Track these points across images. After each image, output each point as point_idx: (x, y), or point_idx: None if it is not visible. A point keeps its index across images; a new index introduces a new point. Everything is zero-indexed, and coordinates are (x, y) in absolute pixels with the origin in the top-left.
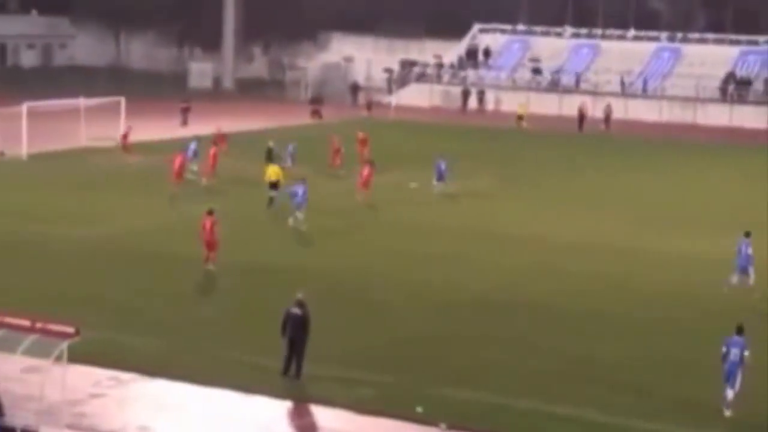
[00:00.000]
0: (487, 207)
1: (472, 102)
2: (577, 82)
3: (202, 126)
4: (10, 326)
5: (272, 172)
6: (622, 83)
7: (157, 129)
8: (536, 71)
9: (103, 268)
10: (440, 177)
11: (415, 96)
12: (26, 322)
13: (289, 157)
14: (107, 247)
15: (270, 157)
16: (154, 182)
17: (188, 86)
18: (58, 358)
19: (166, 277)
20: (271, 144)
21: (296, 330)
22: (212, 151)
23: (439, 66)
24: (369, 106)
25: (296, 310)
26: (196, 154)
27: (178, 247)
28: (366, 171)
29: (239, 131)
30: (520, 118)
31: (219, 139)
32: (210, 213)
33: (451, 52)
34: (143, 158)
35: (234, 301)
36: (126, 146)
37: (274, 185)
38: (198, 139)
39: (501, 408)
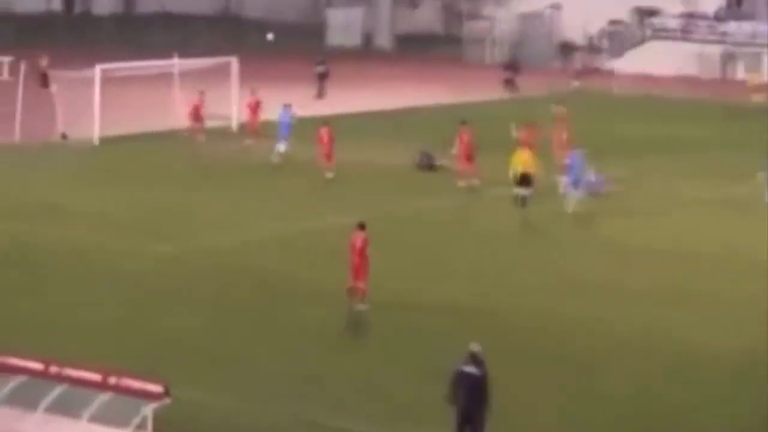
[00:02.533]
0: (739, 222)
1: (739, 69)
2: None
3: (344, 100)
4: (74, 381)
5: (521, 160)
6: None
7: (290, 101)
8: None
9: (192, 297)
10: None
11: (654, 60)
12: (96, 376)
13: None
14: (199, 269)
15: (430, 163)
16: (272, 177)
17: (326, 43)
18: (140, 428)
19: (282, 314)
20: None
21: (472, 397)
22: (465, 137)
23: (690, 17)
24: (580, 73)
25: (471, 369)
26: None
27: (300, 271)
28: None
29: (397, 108)
30: (758, 89)
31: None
32: (361, 227)
33: None
34: (258, 144)
35: (382, 352)
36: (196, 128)
37: (525, 180)
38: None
39: None
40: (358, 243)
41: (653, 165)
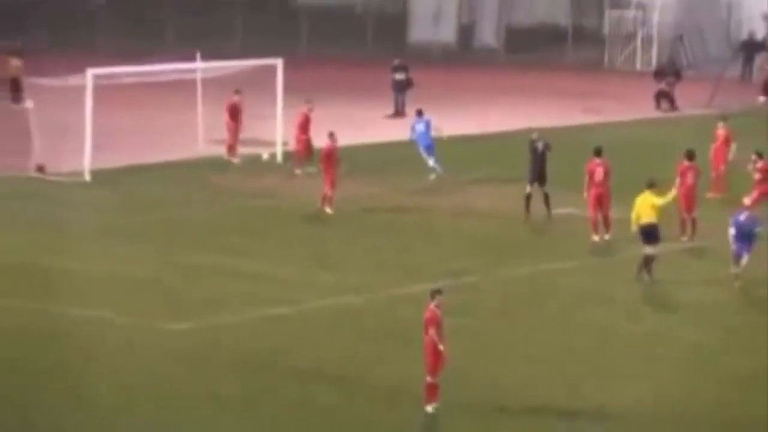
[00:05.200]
0: None
1: None
2: None
3: (432, 119)
4: None
5: (646, 206)
6: None
7: (353, 122)
8: None
9: (217, 395)
10: None
11: None
12: None
13: None
14: (226, 356)
15: (541, 162)
16: (325, 226)
17: (408, 40)
18: None
19: (341, 418)
20: (535, 136)
21: None
22: (598, 173)
23: None
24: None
25: None
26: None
27: (363, 359)
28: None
29: (505, 131)
30: None
31: None
32: (435, 294)
33: None
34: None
35: None
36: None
37: (650, 233)
38: None
39: None
40: (430, 318)
41: None
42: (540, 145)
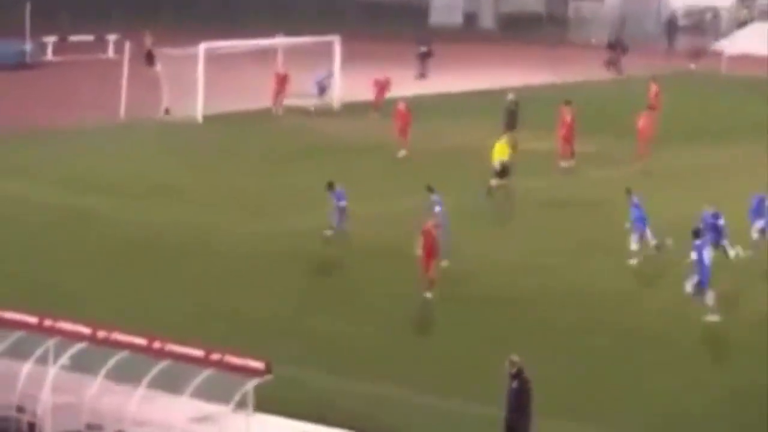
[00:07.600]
0: None
1: None
2: None
3: (446, 80)
4: (177, 357)
5: (501, 150)
6: None
7: (394, 81)
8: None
9: (285, 276)
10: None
11: (758, 41)
12: (199, 352)
13: None
14: (291, 248)
15: (512, 120)
16: (371, 158)
17: (429, 23)
18: (241, 404)
19: (368, 294)
20: (511, 97)
21: (515, 408)
22: (567, 118)
23: None
24: (696, 54)
25: (511, 384)
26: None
27: (394, 247)
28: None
29: (499, 88)
30: None
31: None
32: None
33: None
34: (361, 124)
35: (460, 335)
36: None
37: (502, 170)
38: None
39: None
40: (432, 230)
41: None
42: (512, 103)
